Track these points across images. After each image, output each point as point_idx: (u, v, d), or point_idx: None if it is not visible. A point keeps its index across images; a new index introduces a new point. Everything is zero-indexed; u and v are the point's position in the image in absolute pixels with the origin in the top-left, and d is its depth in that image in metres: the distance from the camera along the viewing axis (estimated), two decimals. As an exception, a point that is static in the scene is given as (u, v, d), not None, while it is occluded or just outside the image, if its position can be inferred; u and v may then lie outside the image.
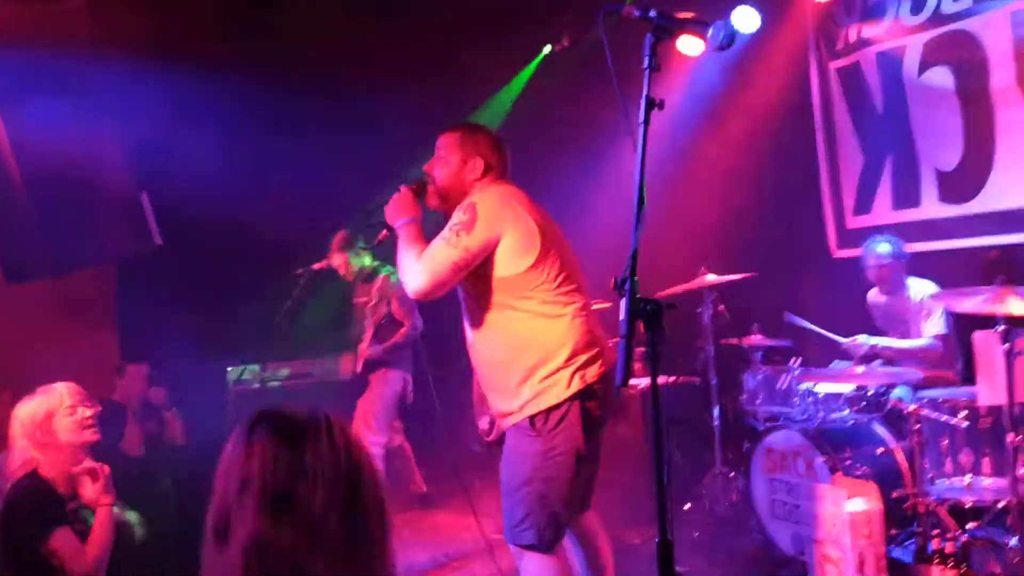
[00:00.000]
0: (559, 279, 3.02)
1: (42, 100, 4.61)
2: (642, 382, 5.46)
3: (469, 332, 3.17)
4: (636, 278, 1.93)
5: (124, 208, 5.25)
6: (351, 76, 6.30)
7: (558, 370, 2.95)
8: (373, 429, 5.60)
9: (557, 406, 2.94)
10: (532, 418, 2.97)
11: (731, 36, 1.96)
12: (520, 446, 3.00)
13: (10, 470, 2.97)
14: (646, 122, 1.97)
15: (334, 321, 6.26)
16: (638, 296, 1.91)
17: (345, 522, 1.45)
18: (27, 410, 3.00)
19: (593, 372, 2.98)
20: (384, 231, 3.20)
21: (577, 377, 2.96)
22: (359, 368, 5.74)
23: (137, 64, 4.90)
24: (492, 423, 3.74)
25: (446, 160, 3.19)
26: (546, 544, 2.97)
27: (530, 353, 2.98)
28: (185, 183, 5.57)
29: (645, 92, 1.99)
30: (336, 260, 5.69)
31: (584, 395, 2.96)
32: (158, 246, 5.71)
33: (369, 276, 5.76)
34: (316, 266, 5.68)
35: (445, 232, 3.00)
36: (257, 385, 6.11)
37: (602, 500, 3.50)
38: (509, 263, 2.98)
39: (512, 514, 2.99)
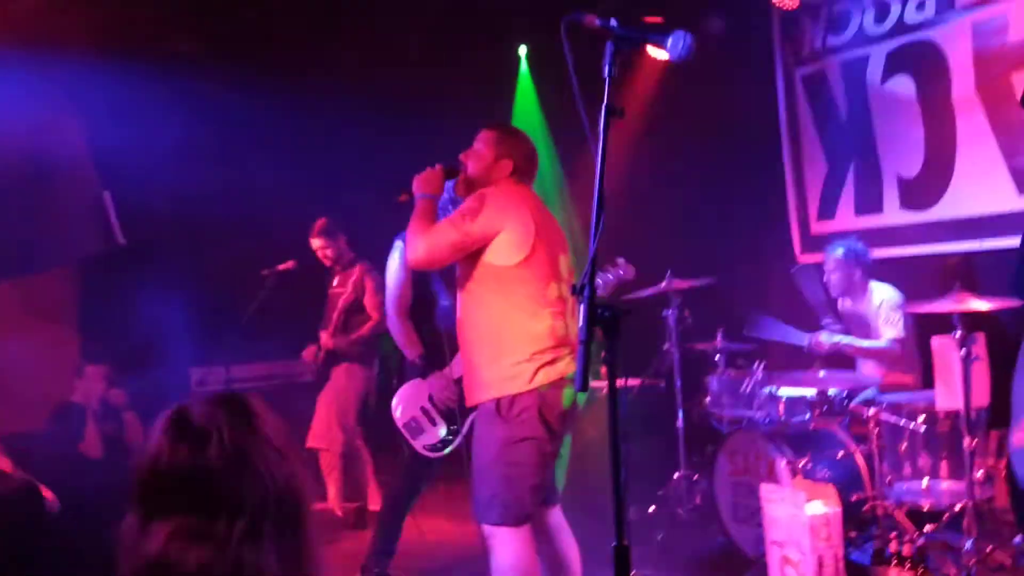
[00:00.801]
0: (544, 281, 3.23)
1: (1, 99, 4.56)
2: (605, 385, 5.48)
3: (459, 308, 3.37)
4: (595, 284, 1.96)
5: (87, 207, 5.21)
6: (320, 74, 6.25)
7: (524, 362, 3.14)
8: (339, 427, 5.56)
9: (519, 396, 3.12)
10: (497, 403, 3.15)
11: (690, 47, 1.99)
12: (488, 430, 3.18)
13: None
14: (606, 130, 2.00)
15: (300, 323, 6.22)
16: (596, 302, 1.93)
17: (252, 538, 1.36)
18: None
19: (558, 370, 3.18)
20: (405, 195, 3.44)
21: (541, 373, 3.15)
22: (320, 357, 5.71)
23: (99, 62, 4.85)
24: (444, 440, 3.80)
25: (480, 155, 3.40)
26: (510, 523, 3.13)
27: (503, 341, 3.19)
28: (149, 182, 5.51)
29: (605, 100, 2.01)
30: (316, 243, 5.68)
31: (546, 390, 3.15)
32: (121, 245, 5.66)
33: (348, 264, 5.75)
34: (281, 267, 5.64)
35: (453, 214, 3.24)
36: (221, 385, 6.06)
37: (566, 501, 3.53)
38: (501, 255, 3.20)
39: (480, 494, 3.17)
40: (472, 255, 3.22)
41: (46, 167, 4.86)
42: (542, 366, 3.15)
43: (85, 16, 4.99)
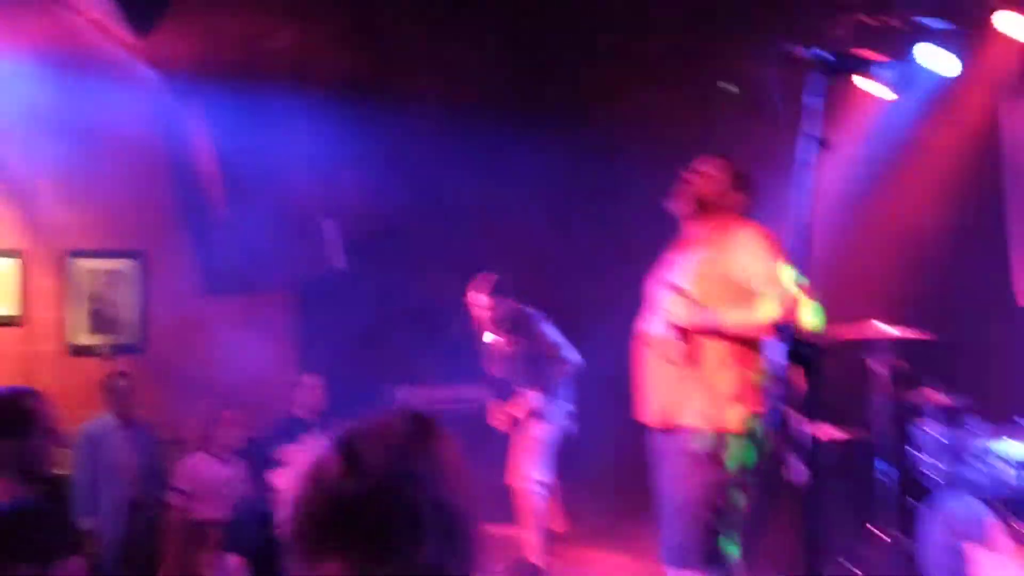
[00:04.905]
0: None
1: (248, 131, 5.02)
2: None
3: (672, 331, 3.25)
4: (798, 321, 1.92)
5: (312, 232, 5.60)
6: (529, 109, 6.39)
7: (742, 403, 3.17)
8: (537, 466, 5.36)
9: (731, 438, 3.13)
10: (715, 442, 3.13)
11: (906, 79, 1.91)
12: (691, 474, 3.14)
13: None
14: (814, 163, 1.95)
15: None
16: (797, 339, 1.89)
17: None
18: None
19: (757, 418, 3.18)
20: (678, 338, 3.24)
21: (750, 417, 3.17)
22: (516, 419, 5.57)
23: (330, 98, 5.23)
24: None
25: (714, 178, 3.34)
26: (719, 568, 3.08)
27: (719, 378, 3.19)
28: (368, 209, 5.83)
29: (814, 133, 1.97)
30: (483, 300, 5.47)
31: (748, 436, 3.16)
32: (341, 269, 6.03)
33: (512, 325, 5.53)
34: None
35: (761, 286, 3.13)
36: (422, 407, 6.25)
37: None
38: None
39: (679, 538, 3.11)
40: (745, 289, 3.20)
41: (279, 194, 5.27)
42: (749, 410, 3.17)
43: (322, 58, 5.38)
